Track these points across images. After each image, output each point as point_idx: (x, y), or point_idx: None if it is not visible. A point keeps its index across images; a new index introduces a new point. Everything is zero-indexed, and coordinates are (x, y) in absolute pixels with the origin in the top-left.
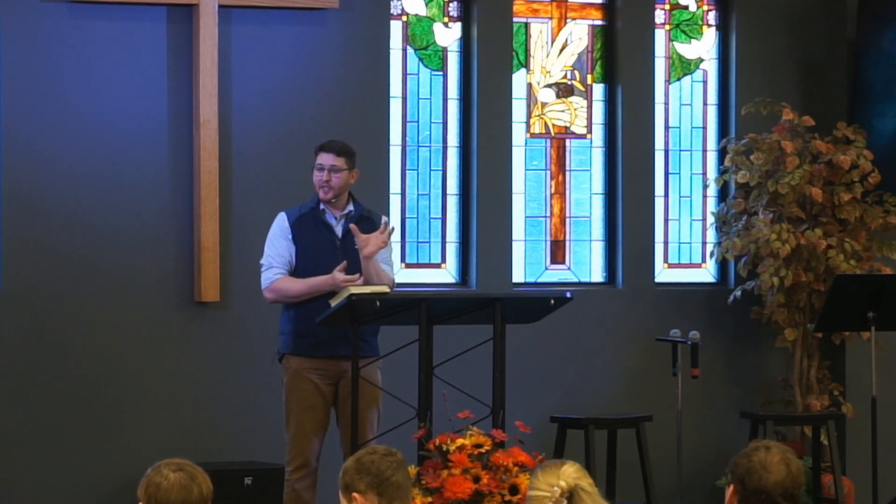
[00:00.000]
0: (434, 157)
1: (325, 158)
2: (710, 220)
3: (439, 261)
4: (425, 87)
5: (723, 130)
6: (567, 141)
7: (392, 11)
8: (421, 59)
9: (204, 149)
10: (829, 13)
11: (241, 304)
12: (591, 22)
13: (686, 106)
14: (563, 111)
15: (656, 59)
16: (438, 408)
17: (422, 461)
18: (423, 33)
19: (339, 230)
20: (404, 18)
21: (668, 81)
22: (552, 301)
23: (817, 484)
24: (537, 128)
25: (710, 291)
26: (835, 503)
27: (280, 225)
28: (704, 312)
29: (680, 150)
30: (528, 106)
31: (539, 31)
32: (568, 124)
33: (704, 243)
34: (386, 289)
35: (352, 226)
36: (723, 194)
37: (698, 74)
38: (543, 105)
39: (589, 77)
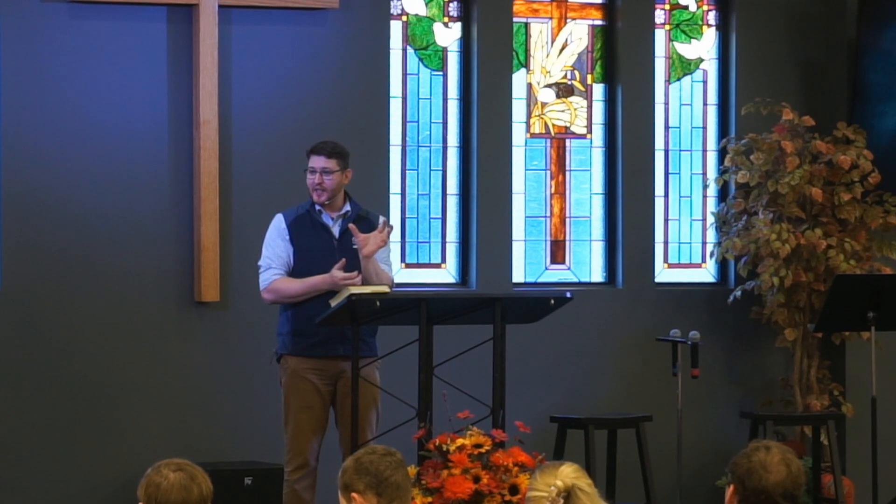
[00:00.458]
0: (434, 157)
1: (316, 161)
2: (710, 220)
3: (439, 261)
4: (425, 87)
5: (723, 130)
6: (567, 141)
7: (392, 11)
8: (421, 59)
9: (204, 149)
10: (829, 13)
11: (241, 304)
12: (591, 22)
13: (686, 106)
14: (563, 111)
15: (656, 59)
16: (438, 408)
17: (422, 461)
18: (423, 33)
19: (336, 230)
20: (404, 18)
21: (668, 81)
22: (552, 301)
23: (817, 484)
24: (537, 128)
25: (710, 291)
26: (835, 503)
27: (277, 226)
28: (704, 312)
29: (680, 150)
30: (528, 106)
31: (539, 31)
32: (568, 124)
33: (704, 243)
34: (386, 289)
35: (350, 225)
36: (723, 194)
37: (698, 74)
38: (543, 105)
39: (589, 77)
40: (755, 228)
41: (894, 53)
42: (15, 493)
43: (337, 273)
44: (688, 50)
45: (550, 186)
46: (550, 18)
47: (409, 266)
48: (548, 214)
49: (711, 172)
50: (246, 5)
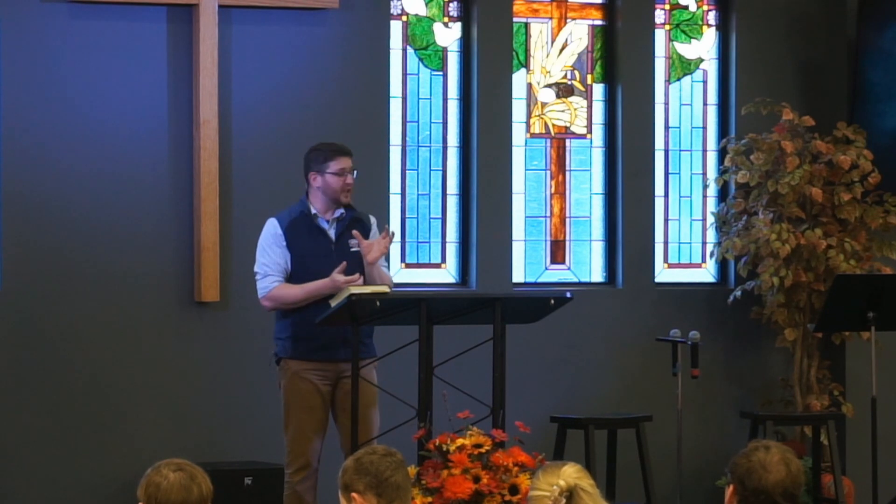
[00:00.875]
0: (434, 157)
1: (346, 162)
2: (710, 220)
3: (439, 261)
4: (425, 87)
5: (723, 130)
6: (567, 141)
7: (392, 11)
8: (421, 59)
9: (204, 149)
10: (829, 13)
11: (241, 304)
12: (591, 22)
13: (686, 106)
14: (563, 111)
15: (656, 59)
16: (438, 408)
17: (422, 461)
18: (423, 33)
19: (332, 233)
20: (404, 18)
21: (668, 81)
22: (552, 301)
23: (817, 484)
24: (537, 128)
25: (710, 291)
26: (835, 503)
27: (273, 232)
28: (704, 312)
29: (680, 150)
30: (528, 106)
31: (539, 31)
32: (568, 124)
33: (704, 243)
34: (386, 288)
35: (354, 232)
36: (723, 194)
37: (698, 74)
38: (543, 105)
39: (589, 77)
40: (755, 228)
41: (894, 53)
42: (15, 493)
43: (338, 276)
44: (688, 50)
45: (550, 186)
46: (550, 18)
47: (409, 266)
48: (548, 214)
49: (711, 172)
50: (246, 5)
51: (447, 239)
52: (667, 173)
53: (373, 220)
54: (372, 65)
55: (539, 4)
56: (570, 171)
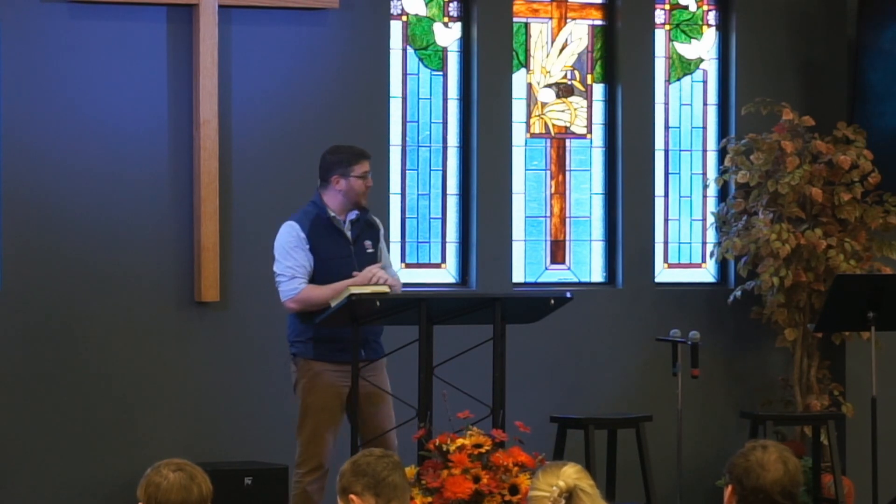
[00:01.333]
0: (434, 157)
1: (368, 165)
2: (710, 220)
3: (439, 261)
4: (425, 87)
5: (723, 130)
6: (567, 141)
7: (392, 11)
8: (421, 59)
9: (204, 149)
10: (829, 13)
11: (241, 304)
12: (591, 22)
13: (686, 106)
14: (563, 111)
15: (656, 59)
16: (438, 408)
17: (422, 461)
18: (423, 33)
19: (350, 235)
20: (404, 18)
21: (668, 81)
22: (552, 301)
23: (817, 484)
24: (537, 128)
25: (710, 291)
26: (835, 503)
27: (296, 235)
28: (704, 312)
29: (680, 150)
30: (528, 106)
31: (539, 31)
32: (568, 124)
33: (704, 243)
34: (386, 289)
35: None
36: (723, 194)
37: (698, 74)
38: (543, 105)
39: (589, 77)
40: (755, 228)
41: (894, 53)
42: (15, 493)
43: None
44: (688, 50)
45: (550, 186)
46: (550, 18)
47: (409, 266)
48: (548, 214)
49: (711, 172)
50: (246, 5)
51: (447, 239)
52: (667, 173)
53: (379, 223)
54: (372, 65)
55: (539, 4)
56: (570, 171)
